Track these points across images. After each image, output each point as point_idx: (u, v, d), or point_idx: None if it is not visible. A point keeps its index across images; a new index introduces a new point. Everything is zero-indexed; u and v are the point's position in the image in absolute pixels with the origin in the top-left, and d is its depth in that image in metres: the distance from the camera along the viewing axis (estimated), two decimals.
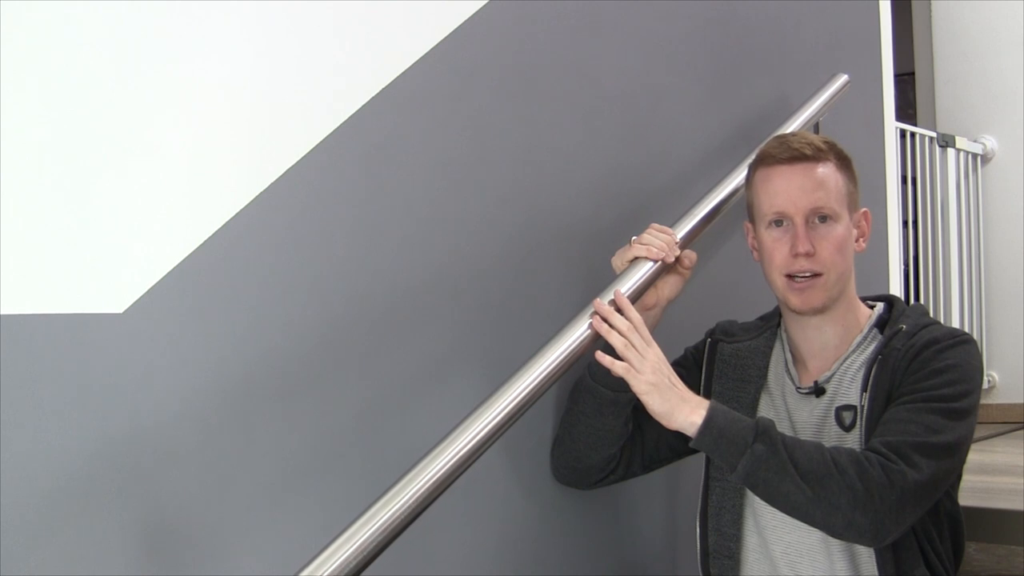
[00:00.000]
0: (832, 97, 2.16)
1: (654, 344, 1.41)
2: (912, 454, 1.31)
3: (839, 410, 1.46)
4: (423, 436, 1.24)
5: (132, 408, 1.11)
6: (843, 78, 2.21)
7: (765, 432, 1.33)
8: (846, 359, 1.50)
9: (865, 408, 1.42)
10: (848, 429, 1.45)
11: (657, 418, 1.36)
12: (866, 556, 1.41)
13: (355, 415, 1.33)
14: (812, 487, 1.29)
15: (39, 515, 1.03)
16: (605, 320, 1.40)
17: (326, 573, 1.05)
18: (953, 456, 1.35)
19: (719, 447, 1.33)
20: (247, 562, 1.19)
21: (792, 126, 2.01)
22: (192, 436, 1.15)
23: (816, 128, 2.15)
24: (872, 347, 1.49)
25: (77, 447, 1.06)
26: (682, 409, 1.35)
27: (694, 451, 1.63)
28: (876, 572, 1.40)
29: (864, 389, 1.43)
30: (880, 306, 1.55)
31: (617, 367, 1.37)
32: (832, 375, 1.49)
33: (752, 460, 1.31)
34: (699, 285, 1.70)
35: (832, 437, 1.45)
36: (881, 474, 1.28)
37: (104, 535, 1.08)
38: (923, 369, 1.40)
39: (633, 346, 1.38)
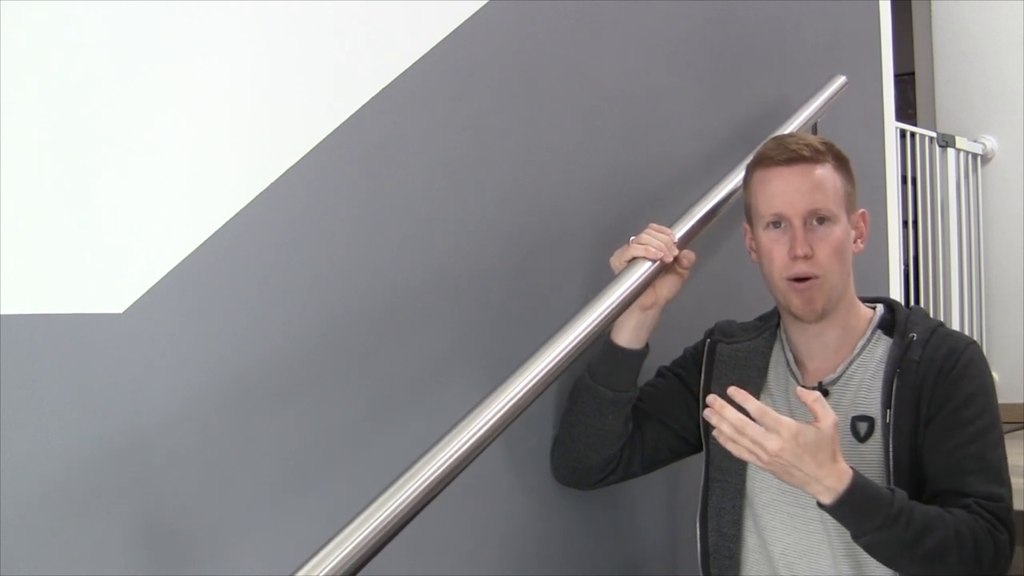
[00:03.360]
0: (830, 98, 2.16)
1: (780, 429, 1.26)
2: (1006, 516, 1.35)
3: (855, 420, 1.46)
4: (423, 436, 1.24)
5: (132, 408, 1.11)
6: (841, 79, 2.21)
7: (897, 516, 1.29)
8: (852, 362, 1.49)
9: (891, 425, 1.41)
10: (863, 440, 1.44)
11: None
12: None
13: (355, 415, 1.33)
14: (930, 565, 1.30)
15: (39, 515, 1.03)
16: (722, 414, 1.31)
17: (324, 572, 1.05)
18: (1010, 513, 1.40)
19: (846, 521, 1.31)
20: (247, 562, 1.19)
21: (790, 127, 2.01)
22: (192, 436, 1.15)
23: (814, 129, 2.15)
24: (879, 350, 1.49)
25: (77, 447, 1.06)
26: (809, 487, 1.29)
27: (694, 452, 1.64)
28: (880, 571, 1.40)
29: (887, 405, 1.43)
30: (880, 307, 1.55)
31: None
32: (838, 378, 1.49)
33: (876, 539, 1.30)
34: (698, 285, 1.70)
35: (844, 445, 1.44)
36: (992, 548, 1.32)
37: (104, 535, 1.08)
38: (957, 388, 1.42)
39: (747, 441, 1.28)
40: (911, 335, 1.46)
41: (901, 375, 1.43)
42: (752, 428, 1.26)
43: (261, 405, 1.22)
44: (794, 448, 1.25)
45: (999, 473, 1.39)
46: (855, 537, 1.31)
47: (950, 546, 1.30)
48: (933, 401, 1.41)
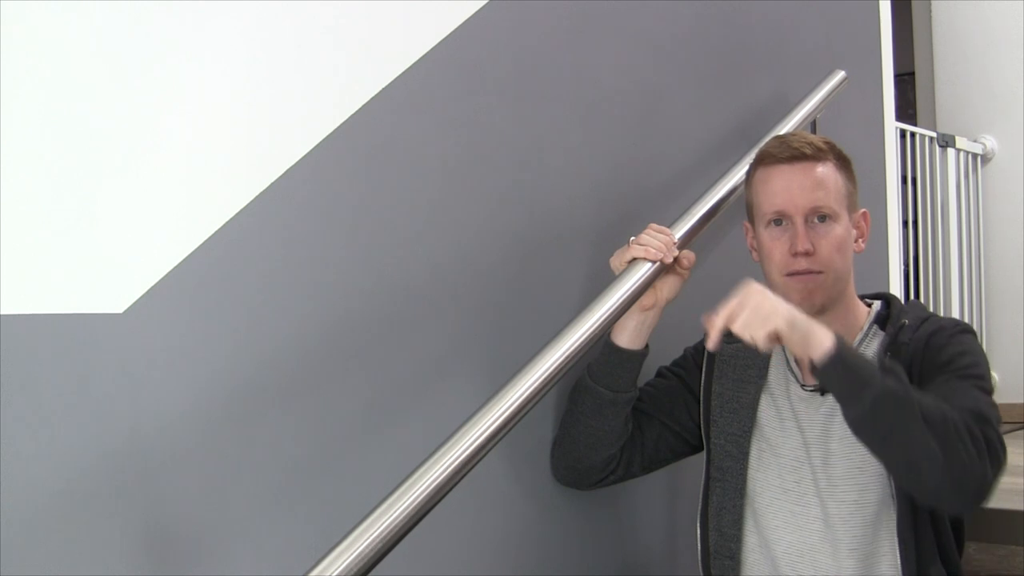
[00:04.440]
0: (829, 94, 2.16)
1: (745, 288, 1.28)
2: (987, 419, 1.29)
3: None
4: (424, 436, 1.24)
5: (132, 408, 1.11)
6: (840, 75, 2.21)
7: (893, 368, 1.26)
8: None
9: None
10: None
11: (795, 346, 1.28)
12: (878, 554, 1.41)
13: (356, 415, 1.33)
14: (936, 434, 1.22)
15: (39, 515, 1.03)
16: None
17: (335, 573, 1.05)
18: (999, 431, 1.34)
19: (849, 374, 1.24)
20: (248, 563, 1.19)
21: (790, 123, 2.00)
22: (193, 436, 1.15)
23: (814, 125, 2.15)
24: (875, 344, 1.49)
25: (77, 447, 1.06)
26: (813, 333, 1.25)
27: (694, 452, 1.64)
28: (887, 570, 1.40)
29: None
30: (878, 304, 1.55)
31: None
32: None
33: (881, 392, 1.22)
34: (698, 285, 1.70)
35: (843, 436, 1.44)
36: (983, 443, 1.26)
37: (104, 536, 1.08)
38: (944, 351, 1.40)
39: (747, 314, 1.26)
40: (903, 321, 1.47)
41: (892, 356, 1.44)
42: (735, 304, 1.27)
43: (262, 405, 1.22)
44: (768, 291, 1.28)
45: (980, 405, 1.31)
46: (858, 398, 1.24)
47: (946, 418, 1.23)
48: (922, 372, 1.40)
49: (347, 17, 1.35)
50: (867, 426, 1.26)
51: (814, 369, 1.26)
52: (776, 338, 1.25)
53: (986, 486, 1.27)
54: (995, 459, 1.27)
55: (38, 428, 1.03)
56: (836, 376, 1.25)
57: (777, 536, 1.49)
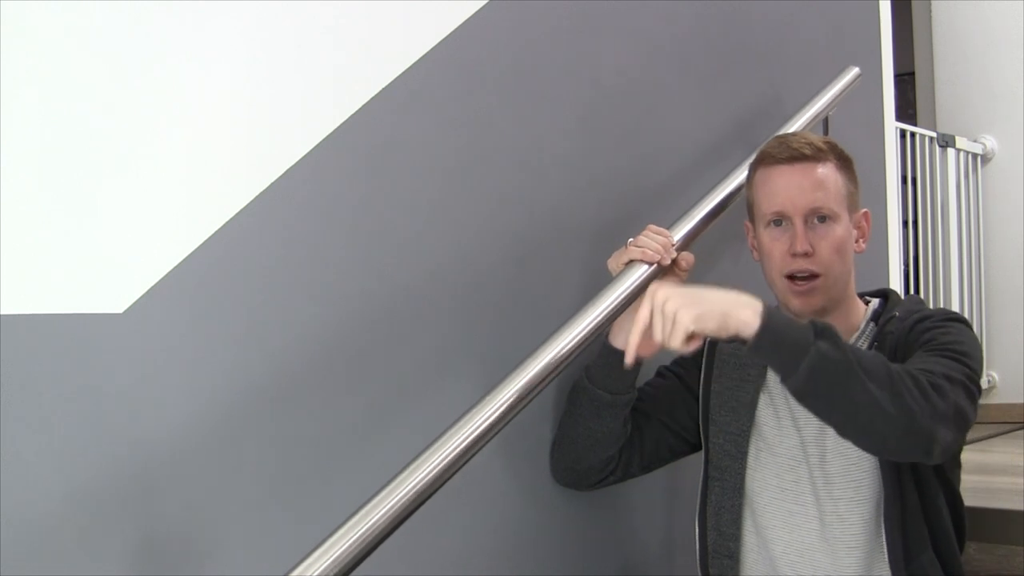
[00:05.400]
0: (843, 91, 2.13)
1: (650, 295, 1.25)
2: (946, 381, 1.27)
3: None
4: (424, 436, 1.24)
5: (132, 408, 1.11)
6: (854, 71, 2.18)
7: (825, 329, 1.23)
8: None
9: None
10: None
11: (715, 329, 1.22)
12: (876, 552, 1.41)
13: (357, 415, 1.33)
14: (880, 385, 1.20)
15: (39, 515, 1.03)
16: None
17: (316, 573, 1.05)
18: (975, 400, 1.31)
19: (783, 342, 1.21)
20: (248, 563, 1.19)
21: (801, 120, 1.99)
22: (193, 436, 1.16)
23: (826, 123, 2.14)
24: (870, 341, 1.49)
25: (77, 447, 1.06)
26: (735, 312, 1.20)
27: (693, 451, 1.64)
28: (886, 568, 1.40)
29: None
30: (876, 301, 1.56)
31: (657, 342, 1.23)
32: None
33: (817, 359, 1.19)
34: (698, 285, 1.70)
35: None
36: (929, 387, 1.23)
37: (104, 535, 1.08)
38: (926, 334, 1.39)
39: (652, 319, 1.22)
40: (893, 314, 1.47)
41: (878, 348, 1.44)
42: (644, 314, 1.23)
43: (262, 404, 1.22)
44: (674, 288, 1.23)
45: (943, 368, 1.28)
46: (794, 369, 1.20)
47: (890, 373, 1.21)
48: (905, 356, 1.39)
49: (347, 17, 1.35)
50: (809, 393, 1.23)
51: (746, 347, 1.22)
52: (693, 339, 1.19)
53: (940, 434, 1.23)
54: (949, 408, 1.24)
55: (38, 428, 1.04)
56: (767, 351, 1.21)
57: (775, 535, 1.49)
